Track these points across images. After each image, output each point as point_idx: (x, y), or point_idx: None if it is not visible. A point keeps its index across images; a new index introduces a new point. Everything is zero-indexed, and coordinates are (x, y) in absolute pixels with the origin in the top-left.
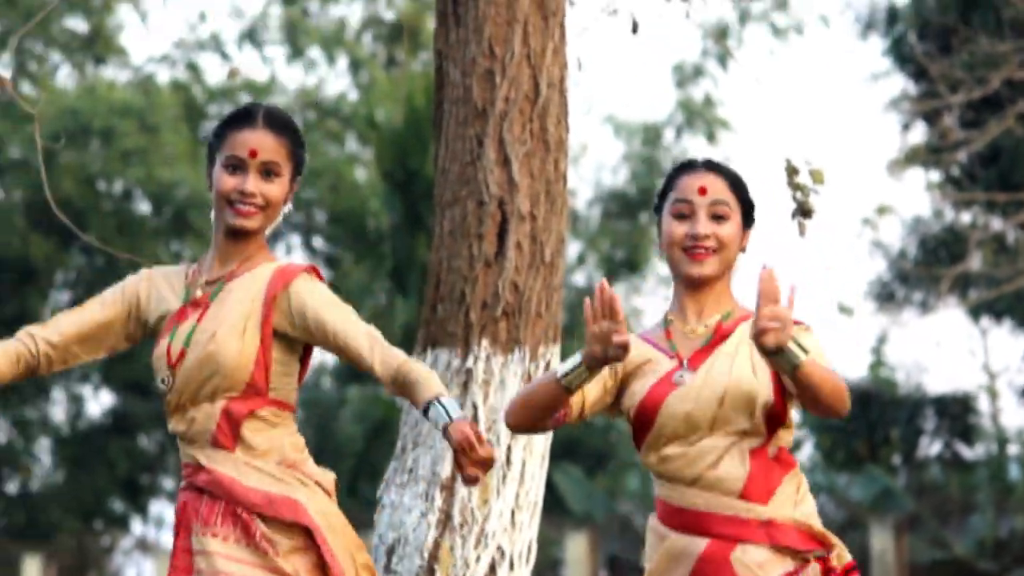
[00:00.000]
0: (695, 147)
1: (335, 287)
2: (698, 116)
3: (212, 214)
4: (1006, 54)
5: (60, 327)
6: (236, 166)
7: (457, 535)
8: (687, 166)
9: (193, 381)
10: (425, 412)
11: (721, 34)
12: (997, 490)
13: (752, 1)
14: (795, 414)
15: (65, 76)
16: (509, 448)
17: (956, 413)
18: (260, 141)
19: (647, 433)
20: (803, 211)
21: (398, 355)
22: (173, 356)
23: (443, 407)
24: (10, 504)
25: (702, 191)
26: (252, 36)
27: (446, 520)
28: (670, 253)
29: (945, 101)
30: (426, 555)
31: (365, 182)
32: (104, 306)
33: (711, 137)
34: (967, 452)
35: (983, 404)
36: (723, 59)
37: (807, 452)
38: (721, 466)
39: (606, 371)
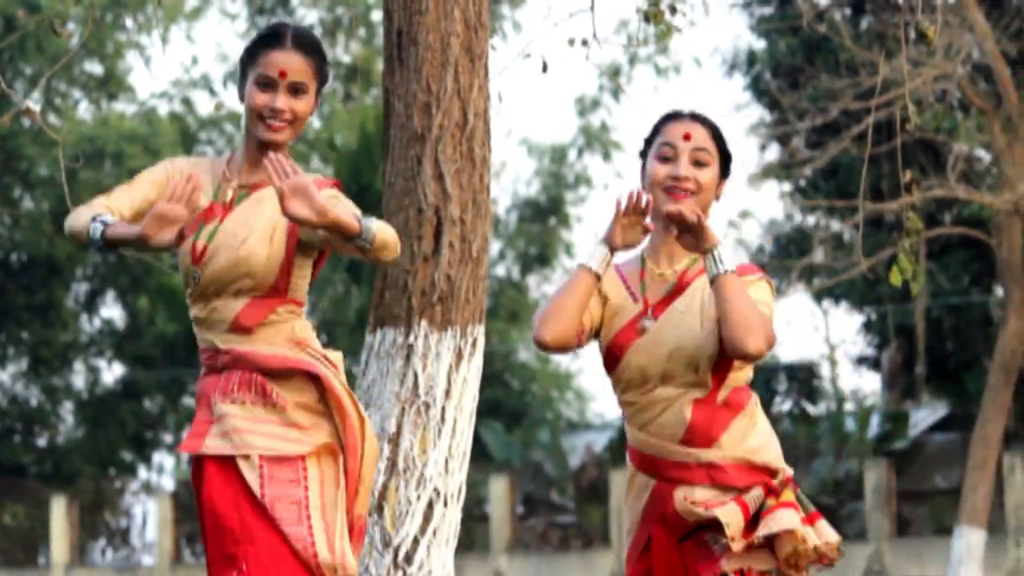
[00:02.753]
0: (593, 165)
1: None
2: (596, 139)
3: (243, 123)
4: (843, 89)
5: (124, 204)
6: (267, 84)
7: (401, 479)
8: (674, 115)
9: (221, 279)
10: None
11: (614, 72)
12: (835, 440)
13: (639, 46)
14: None
15: (84, 109)
16: (443, 408)
17: (803, 378)
18: (289, 61)
19: (612, 373)
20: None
21: None
22: (197, 252)
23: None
24: (40, 455)
25: (686, 137)
26: (235, 76)
27: (392, 467)
28: (652, 193)
29: (794, 127)
30: (376, 495)
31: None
32: (153, 186)
33: (606, 156)
34: (812, 409)
35: (825, 370)
36: (616, 93)
37: None
38: (665, 414)
39: (595, 299)
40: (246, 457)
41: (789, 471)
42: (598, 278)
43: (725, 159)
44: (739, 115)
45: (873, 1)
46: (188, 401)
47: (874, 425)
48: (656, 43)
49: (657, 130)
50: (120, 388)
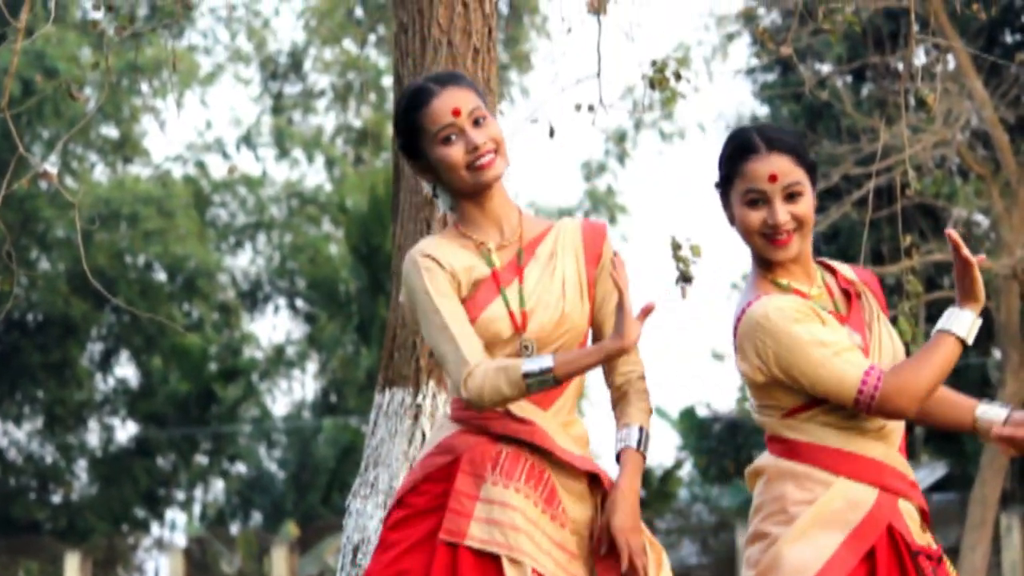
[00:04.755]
0: None
1: (312, 339)
2: (601, 202)
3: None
4: (844, 154)
5: (479, 344)
6: (449, 135)
7: None
8: (746, 148)
9: (546, 341)
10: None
11: (620, 138)
12: None
13: (644, 112)
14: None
15: (100, 172)
16: None
17: None
18: (454, 99)
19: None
20: (685, 278)
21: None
22: (517, 317)
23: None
24: (55, 512)
25: (772, 179)
26: (248, 140)
27: None
28: (749, 240)
29: None
30: None
31: (337, 255)
32: (455, 299)
33: (612, 219)
34: None
35: None
36: (622, 158)
37: (687, 469)
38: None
39: None
40: (517, 563)
41: None
42: None
43: (813, 168)
44: None
45: (874, 69)
46: (200, 459)
47: None
48: (661, 109)
49: (736, 168)
50: (133, 446)
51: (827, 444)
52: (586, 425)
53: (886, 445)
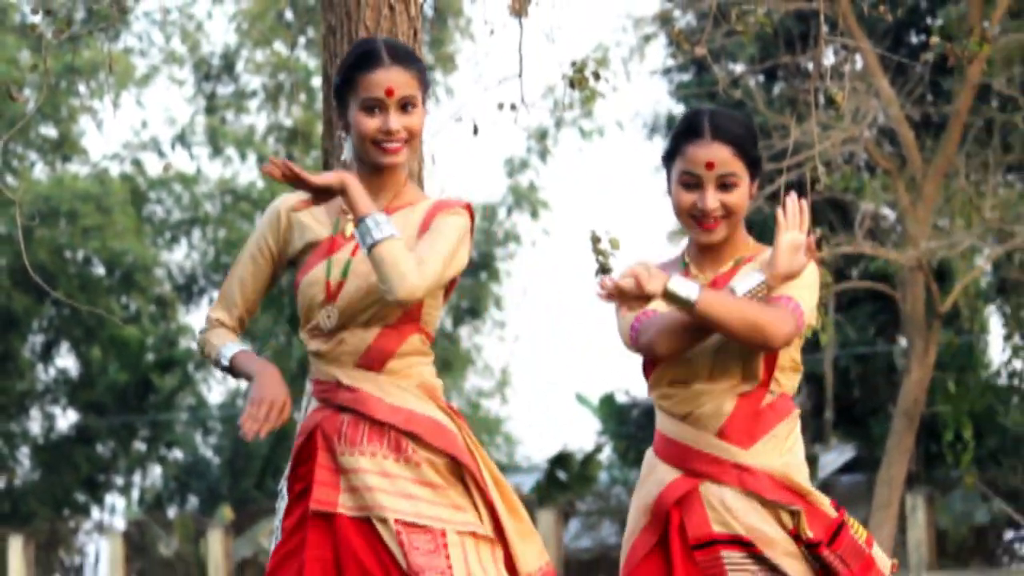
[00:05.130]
0: (522, 223)
1: (246, 331)
2: (524, 198)
3: (346, 155)
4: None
5: (239, 301)
6: (374, 107)
7: None
8: (692, 131)
9: (353, 309)
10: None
11: (541, 135)
12: None
13: (565, 111)
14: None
15: (39, 170)
16: None
17: None
18: (394, 78)
19: (652, 371)
20: (604, 270)
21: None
22: (332, 286)
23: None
24: None
25: (709, 166)
26: (182, 139)
27: None
28: (680, 218)
29: None
30: None
31: None
32: (256, 265)
33: (534, 214)
34: None
35: None
36: (543, 155)
37: (607, 453)
38: (707, 406)
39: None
40: (383, 520)
41: (830, 514)
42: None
43: (754, 164)
44: (659, 176)
45: (785, 68)
46: (139, 446)
47: None
48: (581, 108)
49: (679, 147)
50: (74, 433)
51: (660, 428)
52: (427, 372)
53: (696, 430)
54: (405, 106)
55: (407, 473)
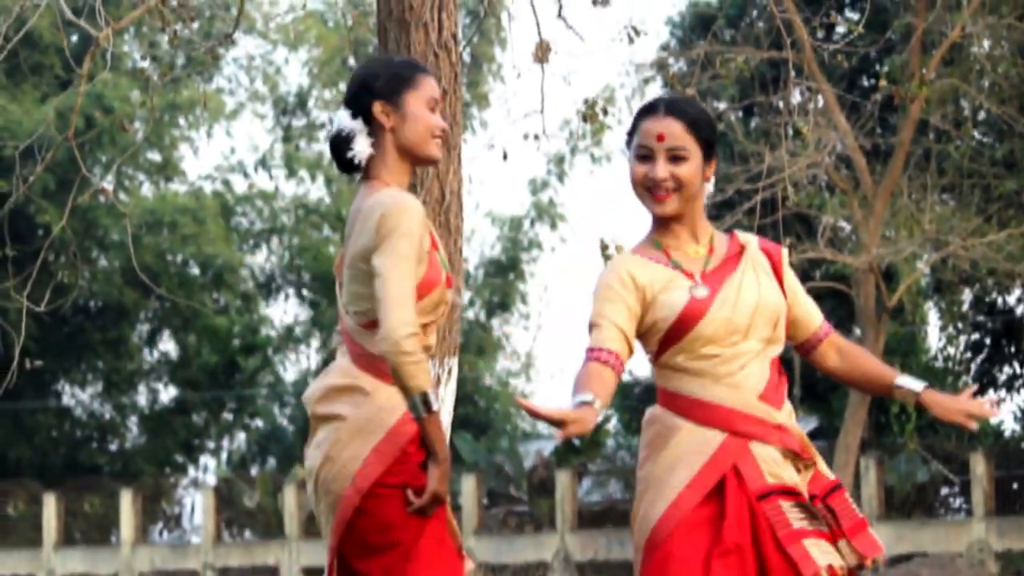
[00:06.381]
0: (543, 232)
1: (315, 321)
2: (545, 212)
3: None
4: (736, 174)
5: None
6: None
7: None
8: (649, 110)
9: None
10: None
11: (559, 160)
12: None
13: (579, 140)
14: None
15: (146, 188)
16: None
17: None
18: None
19: (681, 338)
20: None
21: None
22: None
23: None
24: (112, 458)
25: (660, 138)
26: (263, 163)
27: None
28: (635, 190)
29: None
30: None
31: (335, 254)
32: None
33: (553, 226)
34: None
35: None
36: (561, 176)
37: (613, 423)
38: (749, 368)
39: (632, 299)
40: None
41: (826, 476)
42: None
43: (707, 144)
44: None
45: (760, 106)
46: (227, 416)
47: None
48: (592, 138)
49: (635, 127)
50: (174, 405)
51: (680, 390)
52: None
53: (738, 392)
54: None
55: None
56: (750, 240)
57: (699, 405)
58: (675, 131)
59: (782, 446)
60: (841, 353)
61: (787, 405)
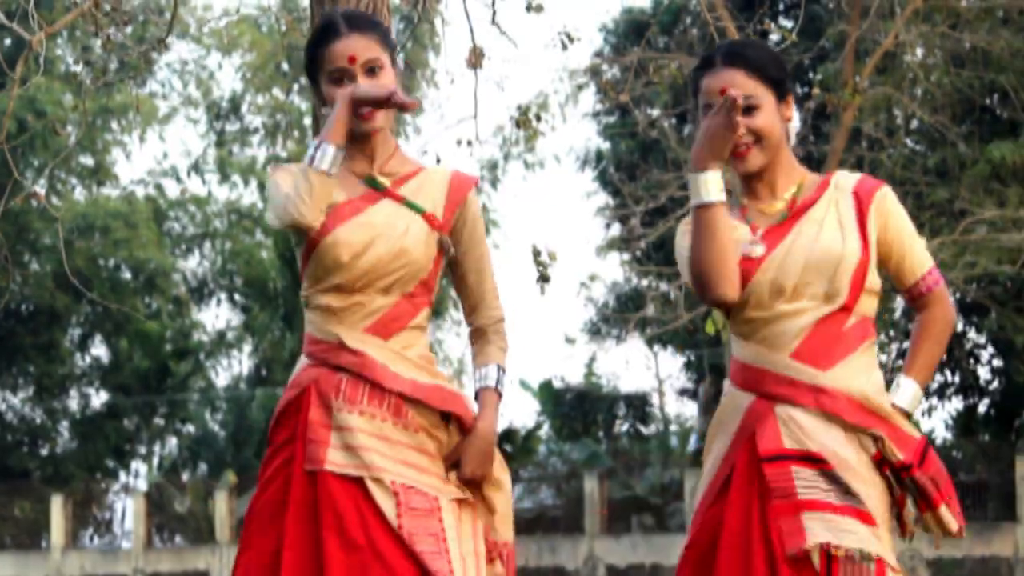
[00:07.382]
0: None
1: (247, 326)
2: None
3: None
4: (669, 180)
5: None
6: (341, 77)
7: None
8: (706, 64)
9: (377, 271)
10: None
11: (492, 166)
12: (662, 453)
13: (512, 146)
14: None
15: (79, 192)
16: None
17: (638, 405)
18: (354, 45)
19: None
20: (543, 278)
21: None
22: (357, 245)
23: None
24: (42, 462)
25: (723, 92)
26: (196, 167)
27: None
28: None
29: (632, 210)
30: None
31: (267, 259)
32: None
33: (487, 231)
34: (644, 429)
35: (655, 399)
36: (494, 182)
37: (545, 429)
38: (784, 324)
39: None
40: (378, 480)
41: (915, 436)
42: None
43: (777, 83)
44: (588, 201)
45: (693, 113)
46: (158, 421)
47: (692, 442)
48: (525, 144)
49: (696, 84)
50: (105, 410)
51: (735, 355)
52: (426, 344)
53: (769, 350)
54: (371, 70)
55: (405, 438)
56: (843, 182)
57: (738, 367)
58: (738, 81)
59: (819, 409)
60: (919, 320)
61: (848, 365)
